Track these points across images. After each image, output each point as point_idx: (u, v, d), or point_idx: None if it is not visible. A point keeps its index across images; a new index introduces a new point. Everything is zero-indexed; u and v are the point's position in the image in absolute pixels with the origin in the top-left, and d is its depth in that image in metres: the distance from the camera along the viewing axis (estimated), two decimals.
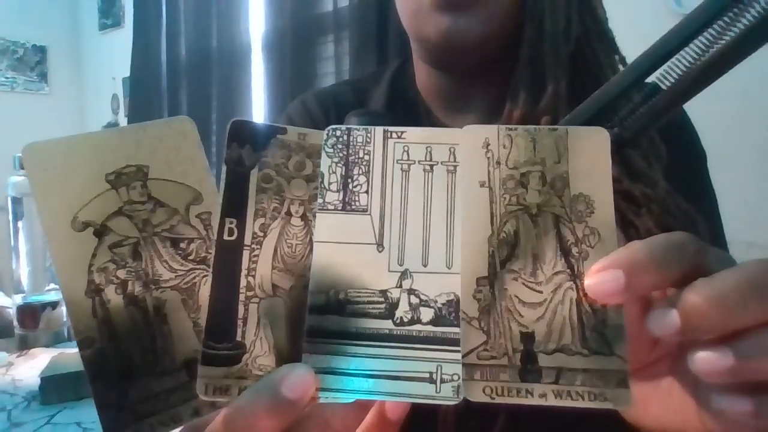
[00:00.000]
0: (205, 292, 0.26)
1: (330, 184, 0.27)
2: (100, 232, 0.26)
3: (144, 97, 2.82)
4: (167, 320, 0.26)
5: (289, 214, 0.27)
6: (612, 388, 0.24)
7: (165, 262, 0.27)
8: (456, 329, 0.25)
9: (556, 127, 0.27)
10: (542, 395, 0.24)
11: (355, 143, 0.27)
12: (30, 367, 0.79)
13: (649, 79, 0.33)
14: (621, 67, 0.48)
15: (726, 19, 0.29)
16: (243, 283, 0.26)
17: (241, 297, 0.26)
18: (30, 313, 0.90)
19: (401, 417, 0.26)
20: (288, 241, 0.27)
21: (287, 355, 0.25)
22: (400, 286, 0.25)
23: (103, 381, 0.25)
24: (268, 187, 0.27)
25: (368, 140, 0.27)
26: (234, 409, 0.23)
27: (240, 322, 0.25)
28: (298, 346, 0.25)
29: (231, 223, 0.26)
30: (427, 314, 0.25)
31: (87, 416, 0.64)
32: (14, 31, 3.18)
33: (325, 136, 0.27)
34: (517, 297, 0.25)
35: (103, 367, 0.25)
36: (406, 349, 0.25)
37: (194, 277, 0.27)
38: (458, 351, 0.24)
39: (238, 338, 0.25)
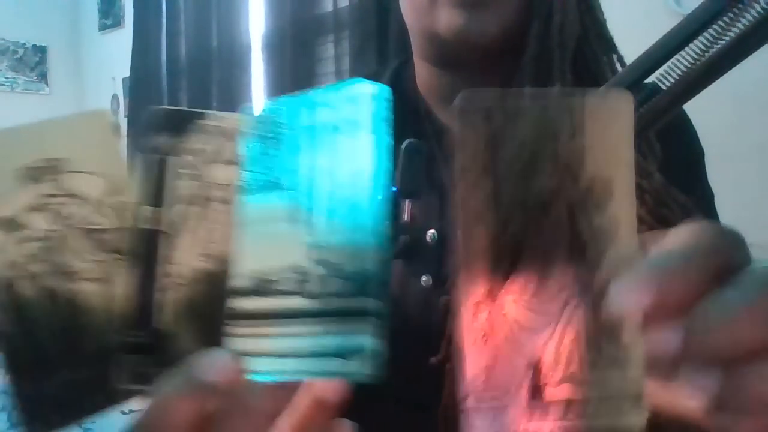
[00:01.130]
0: (122, 281, 0.26)
1: (249, 165, 0.26)
2: (11, 227, 0.26)
3: (144, 97, 2.82)
4: (83, 311, 0.26)
5: (209, 199, 0.27)
6: (626, 414, 0.21)
7: (81, 254, 0.27)
8: (366, 299, 0.23)
9: (568, 91, 0.22)
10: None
11: (268, 119, 0.26)
12: None
13: (649, 79, 0.33)
14: (620, 67, 0.48)
15: (726, 19, 0.29)
16: (162, 270, 0.26)
17: (160, 284, 0.25)
18: None
19: (338, 398, 0.25)
20: (209, 226, 0.27)
21: (210, 341, 0.25)
22: (312, 259, 0.24)
23: (19, 374, 0.25)
24: (188, 172, 0.27)
25: (280, 113, 0.26)
26: (153, 396, 0.23)
27: (158, 309, 0.25)
28: (221, 330, 0.25)
29: (148, 211, 0.26)
30: (338, 285, 0.23)
31: None
32: (14, 31, 3.18)
33: (243, 118, 0.27)
34: (518, 323, 0.21)
35: (18, 360, 0.25)
36: (319, 324, 0.23)
37: (110, 267, 0.27)
38: (371, 322, 0.22)
39: (158, 326, 0.25)
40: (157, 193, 0.26)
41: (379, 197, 0.23)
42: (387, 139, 0.24)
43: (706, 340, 0.20)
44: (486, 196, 0.21)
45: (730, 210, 0.58)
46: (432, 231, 0.50)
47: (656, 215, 0.41)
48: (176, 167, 0.27)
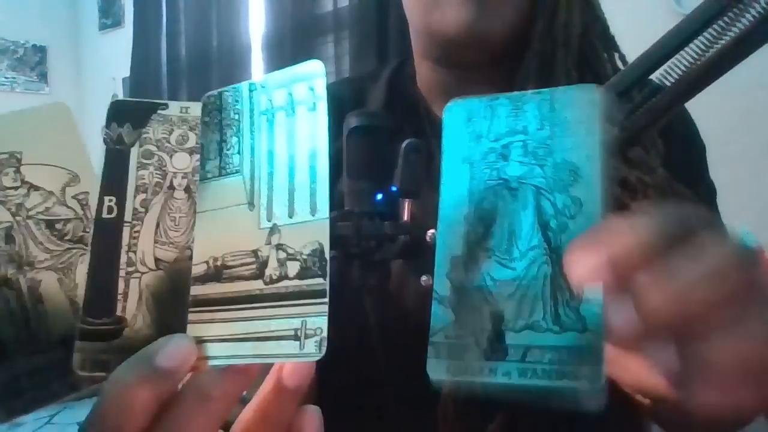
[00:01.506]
0: (82, 270, 0.26)
1: (208, 152, 0.27)
2: None
3: (144, 97, 2.81)
4: (42, 300, 0.27)
5: (171, 188, 0.27)
6: (583, 365, 0.22)
7: (40, 244, 0.27)
8: (321, 280, 0.23)
9: (540, 90, 0.25)
10: (506, 374, 0.23)
11: (226, 105, 0.27)
12: None
13: (650, 79, 0.33)
14: (621, 66, 0.48)
15: (726, 19, 0.29)
16: (124, 258, 0.26)
17: (122, 273, 0.26)
18: None
19: (300, 385, 0.25)
20: (171, 214, 0.27)
21: (173, 329, 0.25)
22: (269, 243, 0.25)
23: None
24: (150, 162, 0.27)
25: (237, 99, 0.27)
26: (109, 382, 0.23)
27: (120, 297, 0.26)
28: (183, 318, 0.25)
29: (110, 201, 0.26)
30: (293, 268, 0.24)
31: None
32: (14, 31, 3.18)
33: (202, 105, 0.27)
34: (490, 275, 0.24)
35: None
36: (275, 308, 0.24)
37: (71, 257, 0.27)
38: (324, 303, 0.23)
39: (119, 313, 0.25)
40: (119, 183, 0.27)
41: (325, 176, 0.24)
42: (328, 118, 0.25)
43: (653, 306, 0.21)
44: (461, 182, 0.25)
45: (730, 210, 0.58)
46: (432, 231, 0.50)
47: None
48: (138, 157, 0.27)
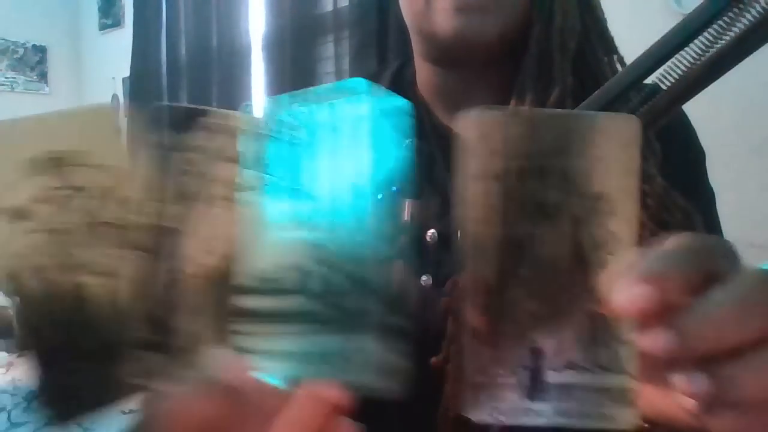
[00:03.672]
0: (130, 276, 0.26)
1: (251, 164, 0.26)
2: (17, 218, 0.26)
3: (144, 97, 2.81)
4: (90, 305, 0.26)
5: (212, 196, 0.27)
6: (619, 407, 0.22)
7: (85, 247, 0.26)
8: (369, 299, 0.23)
9: (579, 112, 0.25)
10: (547, 414, 0.22)
11: (274, 119, 0.27)
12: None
13: (649, 79, 0.33)
14: (620, 67, 0.48)
15: (726, 19, 0.29)
16: (168, 266, 0.26)
17: (169, 281, 0.26)
18: None
19: (341, 399, 0.25)
20: (212, 223, 0.27)
21: (216, 339, 0.25)
22: (316, 260, 0.25)
23: (34, 365, 0.25)
24: (191, 169, 0.27)
25: (284, 115, 0.27)
26: (167, 395, 0.23)
27: (169, 307, 0.25)
28: (226, 328, 0.25)
29: (154, 206, 0.26)
30: (337, 283, 0.24)
31: None
32: (14, 31, 3.18)
33: (245, 116, 0.27)
34: (527, 310, 0.23)
35: (29, 351, 0.25)
36: (322, 324, 0.24)
37: (118, 262, 0.27)
38: (371, 321, 0.23)
39: (168, 323, 0.25)
40: (162, 189, 0.26)
41: (380, 197, 0.24)
42: (394, 140, 0.25)
43: (694, 338, 0.21)
44: (494, 204, 0.22)
45: (730, 210, 0.58)
46: (432, 231, 0.50)
47: (657, 219, 0.41)
48: (180, 164, 0.26)
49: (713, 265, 0.23)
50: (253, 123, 0.26)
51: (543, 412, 0.22)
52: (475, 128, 0.23)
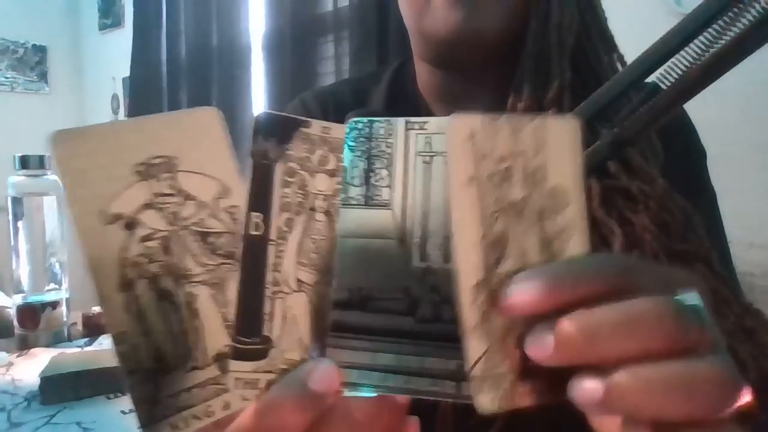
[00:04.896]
0: (233, 287, 0.26)
1: (352, 178, 0.26)
2: (131, 225, 0.26)
3: (144, 97, 2.82)
4: (198, 315, 0.26)
5: (313, 209, 0.27)
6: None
7: (195, 257, 0.26)
8: None
9: (533, 116, 0.26)
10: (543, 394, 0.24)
11: (377, 135, 0.27)
12: (30, 367, 0.79)
13: (649, 79, 0.33)
14: (619, 66, 0.48)
15: (726, 19, 0.29)
16: (269, 278, 0.26)
17: (268, 292, 0.26)
18: (30, 313, 0.90)
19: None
20: (312, 236, 0.27)
21: (312, 351, 0.26)
22: (422, 283, 0.25)
23: (138, 375, 0.25)
24: (292, 181, 0.27)
25: (390, 132, 0.27)
26: (263, 403, 0.24)
27: (266, 318, 0.25)
28: (322, 341, 0.25)
29: (257, 217, 0.26)
30: (448, 312, 0.25)
31: (87, 416, 0.64)
32: (14, 31, 3.18)
33: (347, 129, 0.27)
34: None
35: (137, 361, 0.25)
36: (428, 347, 0.25)
37: (223, 272, 0.26)
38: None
39: (265, 333, 0.25)
40: (265, 200, 0.26)
41: None
42: None
43: (570, 341, 0.22)
44: (473, 203, 0.25)
45: (731, 210, 0.58)
46: None
47: (658, 221, 0.41)
48: (282, 174, 0.26)
49: (622, 281, 0.23)
50: (354, 137, 0.27)
51: (539, 392, 0.24)
52: (455, 132, 0.25)
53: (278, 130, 0.27)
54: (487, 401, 0.24)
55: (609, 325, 0.22)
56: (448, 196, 0.25)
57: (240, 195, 0.27)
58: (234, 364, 0.25)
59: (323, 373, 0.24)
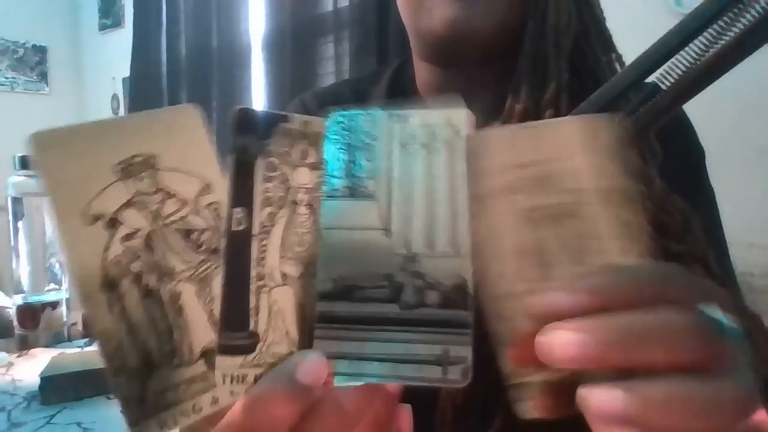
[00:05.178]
0: (218, 282, 0.26)
1: (334, 170, 0.27)
2: (112, 224, 0.26)
3: (144, 97, 2.82)
4: (183, 312, 0.26)
5: (294, 202, 0.27)
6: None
7: (177, 254, 0.26)
8: (464, 312, 0.24)
9: (560, 120, 0.26)
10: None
11: (357, 127, 0.27)
12: (30, 368, 0.79)
13: (649, 79, 0.33)
14: (618, 66, 0.48)
15: (726, 19, 0.29)
16: (253, 272, 0.26)
17: (253, 287, 0.26)
18: (30, 314, 0.90)
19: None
20: (295, 229, 0.27)
21: (299, 343, 0.26)
22: (405, 270, 0.25)
23: (123, 374, 0.25)
24: (274, 175, 0.27)
25: (371, 123, 0.27)
26: (252, 397, 0.24)
27: (252, 312, 0.25)
28: (308, 333, 0.25)
29: (239, 213, 0.26)
30: (433, 297, 0.25)
31: (87, 416, 0.64)
32: (14, 31, 3.18)
33: (329, 123, 0.27)
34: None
35: (122, 360, 0.25)
36: (413, 333, 0.25)
37: (207, 268, 0.27)
38: (467, 333, 0.24)
39: (252, 328, 0.25)
40: (246, 195, 0.26)
41: (465, 213, 0.25)
42: None
43: (596, 344, 0.22)
44: (504, 213, 0.25)
45: (730, 210, 0.58)
46: None
47: (656, 222, 0.41)
48: (263, 169, 0.27)
49: (663, 295, 0.23)
50: (335, 130, 0.27)
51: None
52: (480, 145, 0.25)
53: (258, 125, 0.27)
54: (527, 408, 0.24)
55: (632, 331, 0.22)
56: (451, 196, 0.25)
57: (222, 191, 0.27)
58: (221, 360, 0.25)
59: (310, 365, 0.24)
